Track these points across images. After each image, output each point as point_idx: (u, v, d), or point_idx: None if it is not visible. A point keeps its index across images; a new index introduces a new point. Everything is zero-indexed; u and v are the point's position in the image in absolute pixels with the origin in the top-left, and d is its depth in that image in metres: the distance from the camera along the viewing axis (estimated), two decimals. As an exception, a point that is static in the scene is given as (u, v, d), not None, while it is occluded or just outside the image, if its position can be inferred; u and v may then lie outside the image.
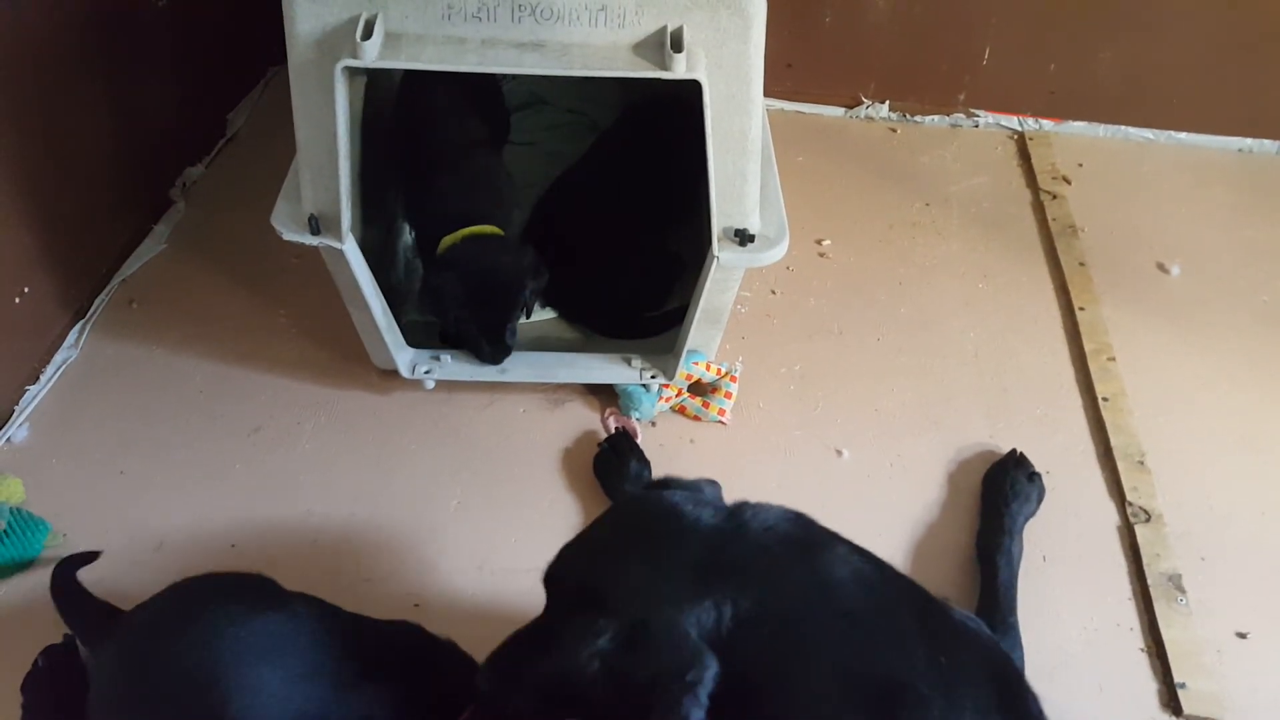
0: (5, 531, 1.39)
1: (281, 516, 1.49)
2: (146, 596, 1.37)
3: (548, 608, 1.04)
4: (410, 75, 1.68)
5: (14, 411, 1.61)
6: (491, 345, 1.54)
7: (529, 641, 1.02)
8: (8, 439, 1.58)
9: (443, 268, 1.51)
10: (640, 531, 1.02)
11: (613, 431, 1.61)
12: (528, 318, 1.56)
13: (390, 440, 1.60)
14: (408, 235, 1.79)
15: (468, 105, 1.68)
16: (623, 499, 1.11)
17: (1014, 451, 1.57)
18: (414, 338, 1.63)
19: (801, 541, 0.99)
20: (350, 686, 1.06)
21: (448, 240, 1.52)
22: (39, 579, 1.38)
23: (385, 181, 1.62)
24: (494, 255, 1.52)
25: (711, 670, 0.89)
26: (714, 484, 1.13)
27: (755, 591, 0.92)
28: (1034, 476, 1.53)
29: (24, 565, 1.40)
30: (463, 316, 1.51)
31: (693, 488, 1.09)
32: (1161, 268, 1.96)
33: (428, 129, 1.63)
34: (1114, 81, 2.21)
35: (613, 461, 1.54)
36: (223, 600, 1.11)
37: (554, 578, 1.04)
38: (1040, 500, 1.52)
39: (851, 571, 0.96)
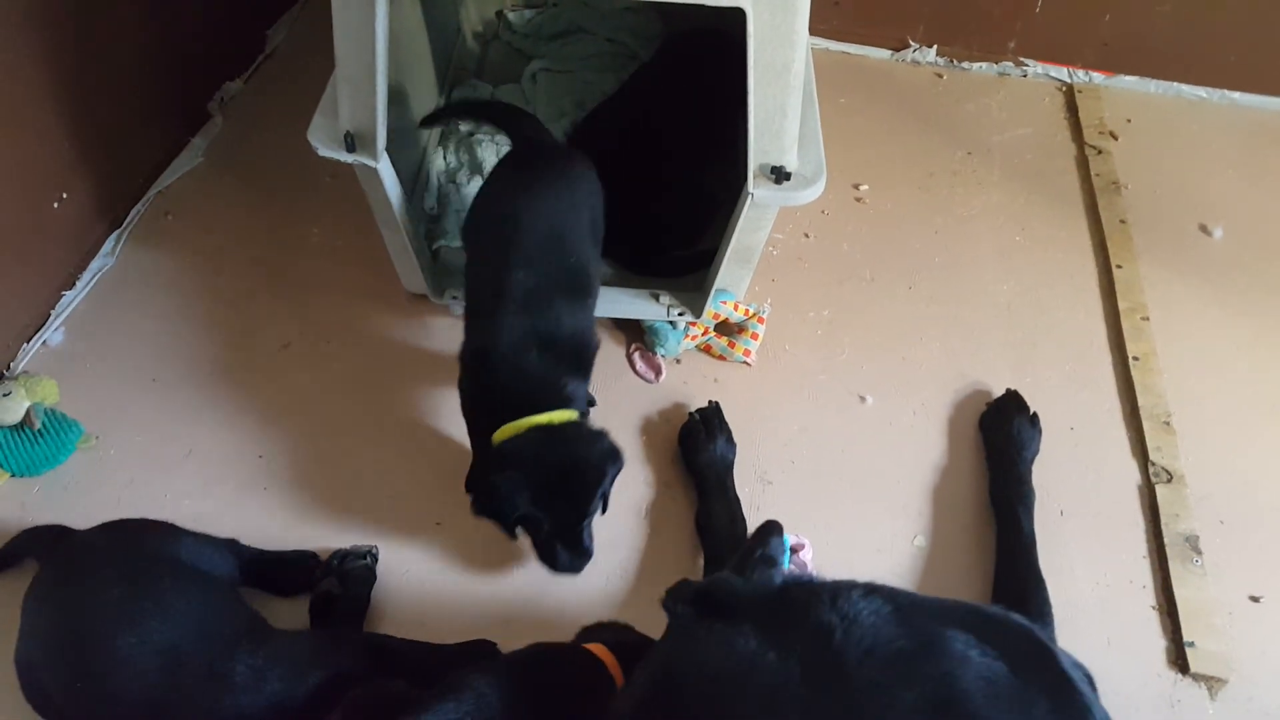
0: (40, 431, 1.43)
1: (309, 431, 1.52)
2: (174, 504, 1.42)
3: None
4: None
5: (50, 315, 1.64)
6: (570, 550, 1.28)
7: None
8: (44, 341, 1.61)
9: (503, 463, 1.24)
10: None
11: (638, 369, 1.62)
12: (603, 512, 1.30)
13: (418, 363, 1.61)
14: (441, 161, 1.78)
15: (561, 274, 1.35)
16: (672, 639, 0.93)
17: (1011, 392, 1.57)
18: (445, 262, 1.64)
19: (911, 652, 0.83)
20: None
21: (509, 429, 1.25)
22: (69, 499, 1.42)
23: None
24: (568, 447, 1.25)
25: None
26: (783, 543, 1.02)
27: None
28: (1034, 418, 1.54)
29: (57, 464, 1.44)
30: (531, 519, 1.26)
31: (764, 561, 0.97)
32: (1204, 229, 1.92)
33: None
34: (1170, 36, 2.14)
35: (700, 435, 1.49)
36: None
37: None
38: (1040, 438, 1.53)
39: (976, 675, 0.82)
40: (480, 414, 1.32)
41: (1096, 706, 0.86)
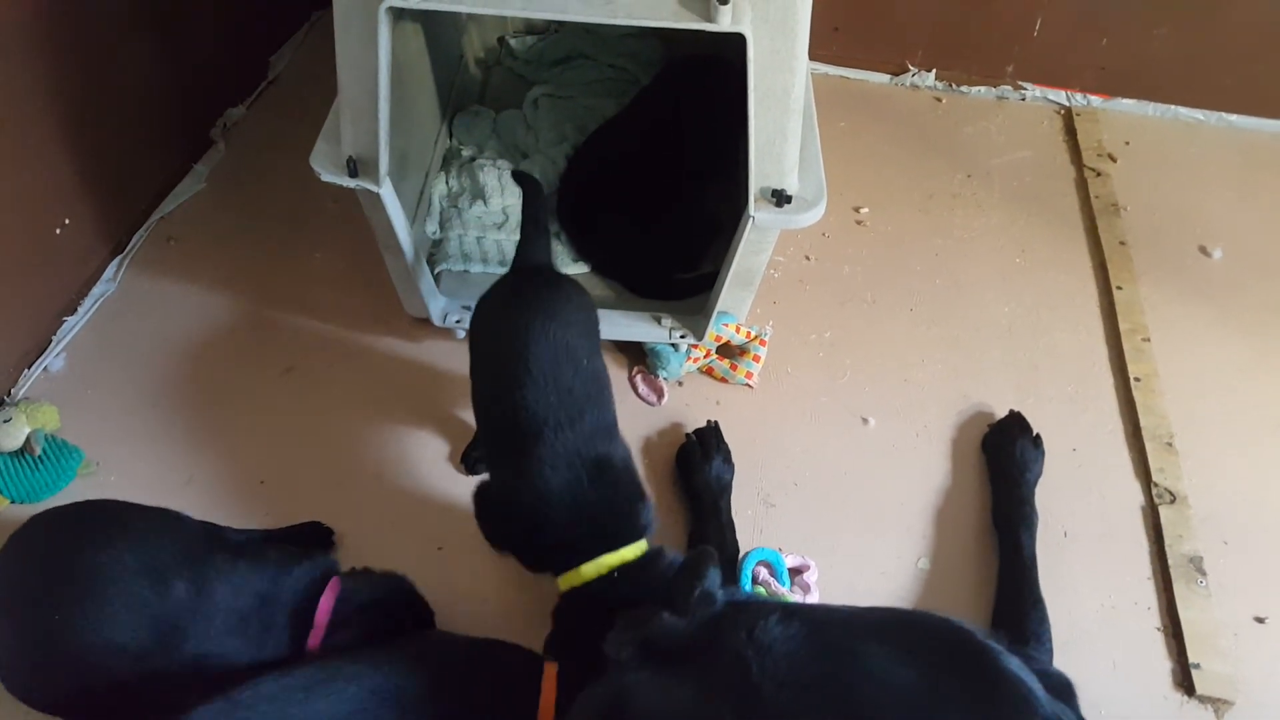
0: (40, 457, 1.43)
1: (311, 456, 1.52)
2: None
3: None
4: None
5: (51, 341, 1.64)
6: None
7: None
8: (45, 368, 1.61)
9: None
10: None
11: (640, 392, 1.62)
12: None
13: (420, 387, 1.61)
14: (443, 185, 1.79)
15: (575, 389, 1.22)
16: (615, 684, 0.92)
17: (1014, 414, 1.58)
18: (447, 287, 1.64)
19: (821, 674, 0.86)
20: None
21: (585, 574, 1.13)
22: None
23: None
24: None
25: None
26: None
27: None
28: (1037, 440, 1.54)
29: (57, 491, 1.44)
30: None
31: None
32: (1203, 250, 1.93)
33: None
34: (1168, 60, 2.16)
35: (696, 456, 1.49)
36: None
37: None
38: (1043, 459, 1.53)
39: (881, 687, 0.85)
40: (533, 554, 1.20)
41: (1044, 704, 0.86)
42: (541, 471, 1.15)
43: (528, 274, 1.36)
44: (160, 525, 1.19)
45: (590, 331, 1.30)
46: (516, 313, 1.24)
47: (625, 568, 1.12)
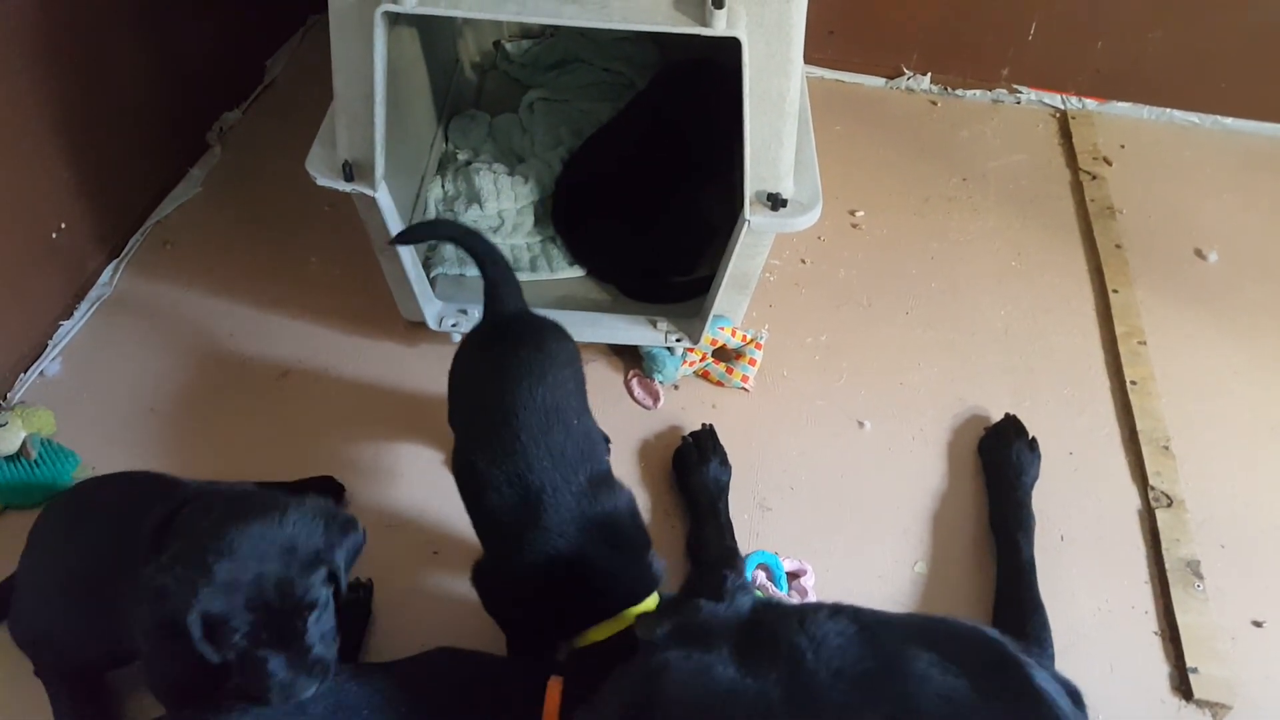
0: (36, 461, 1.43)
1: (307, 460, 1.51)
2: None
3: None
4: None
5: (47, 345, 1.64)
6: None
7: None
8: (40, 372, 1.61)
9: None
10: None
11: (636, 396, 1.62)
12: None
13: (416, 391, 1.61)
14: (439, 189, 1.79)
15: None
16: (648, 667, 0.89)
17: (1009, 417, 1.58)
18: (442, 290, 1.64)
19: (876, 672, 0.87)
20: None
21: (605, 630, 1.11)
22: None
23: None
24: None
25: None
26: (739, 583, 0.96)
27: None
28: (1033, 443, 1.54)
29: (53, 495, 1.43)
30: None
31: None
32: (1199, 253, 1.93)
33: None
34: (1162, 63, 2.16)
35: (693, 457, 1.49)
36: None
37: None
38: (1039, 463, 1.53)
39: (935, 693, 0.85)
40: (540, 625, 1.16)
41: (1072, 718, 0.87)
42: (549, 540, 1.11)
43: (507, 330, 1.26)
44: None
45: (578, 383, 1.24)
46: (502, 380, 1.17)
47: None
